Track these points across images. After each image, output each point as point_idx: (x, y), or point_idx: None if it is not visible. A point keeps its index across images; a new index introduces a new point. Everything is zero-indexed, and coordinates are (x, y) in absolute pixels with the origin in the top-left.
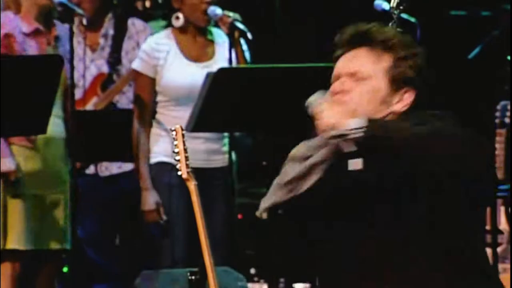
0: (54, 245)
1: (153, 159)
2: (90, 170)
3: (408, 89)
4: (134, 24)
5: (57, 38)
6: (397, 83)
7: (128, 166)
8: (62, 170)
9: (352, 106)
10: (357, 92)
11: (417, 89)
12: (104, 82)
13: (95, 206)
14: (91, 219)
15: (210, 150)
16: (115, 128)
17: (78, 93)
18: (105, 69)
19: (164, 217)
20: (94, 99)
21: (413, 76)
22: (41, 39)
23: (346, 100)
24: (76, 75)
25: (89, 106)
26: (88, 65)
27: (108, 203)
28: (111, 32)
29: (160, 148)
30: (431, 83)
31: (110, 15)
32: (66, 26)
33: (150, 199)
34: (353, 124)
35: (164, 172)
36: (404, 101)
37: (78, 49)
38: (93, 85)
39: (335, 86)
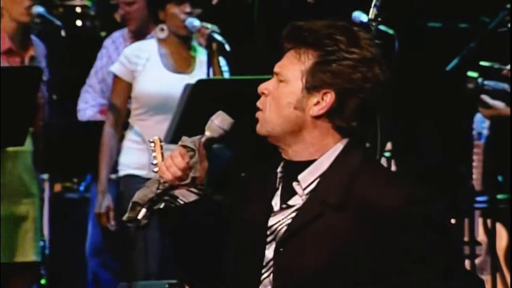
0: (23, 258)
1: (122, 172)
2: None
3: (327, 90)
4: None
5: (32, 58)
6: (311, 84)
7: None
8: (29, 183)
9: (266, 119)
10: (274, 98)
11: (337, 91)
12: None
13: None
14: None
15: None
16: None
17: None
18: None
19: (113, 223)
20: None
21: (332, 76)
22: (14, 58)
23: (263, 116)
24: None
25: None
26: None
27: None
28: None
29: (130, 160)
30: (358, 84)
31: None
32: (42, 45)
33: (102, 202)
34: None
35: (134, 185)
36: (322, 103)
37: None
38: None
39: (264, 84)
